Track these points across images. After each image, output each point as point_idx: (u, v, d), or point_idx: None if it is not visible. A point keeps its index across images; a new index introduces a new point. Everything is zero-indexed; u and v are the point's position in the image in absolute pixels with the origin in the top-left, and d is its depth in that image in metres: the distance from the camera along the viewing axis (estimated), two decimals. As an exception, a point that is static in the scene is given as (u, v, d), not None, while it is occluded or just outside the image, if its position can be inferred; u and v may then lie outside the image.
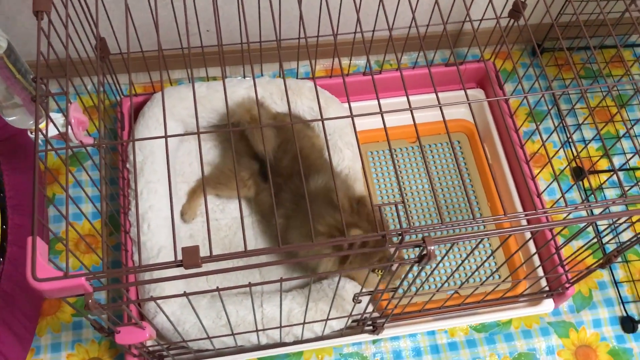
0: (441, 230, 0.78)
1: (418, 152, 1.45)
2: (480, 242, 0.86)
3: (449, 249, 0.84)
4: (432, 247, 0.76)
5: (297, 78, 1.42)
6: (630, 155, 1.49)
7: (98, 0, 0.93)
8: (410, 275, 1.28)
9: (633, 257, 1.38)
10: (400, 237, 0.75)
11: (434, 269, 0.91)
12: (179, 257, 0.69)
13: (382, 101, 1.44)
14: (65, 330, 1.24)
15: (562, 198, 1.33)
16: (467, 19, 1.02)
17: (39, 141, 0.85)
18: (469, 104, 0.87)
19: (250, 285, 0.77)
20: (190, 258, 0.69)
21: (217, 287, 0.76)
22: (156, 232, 1.20)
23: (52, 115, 0.89)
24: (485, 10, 1.34)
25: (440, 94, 1.47)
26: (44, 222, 0.75)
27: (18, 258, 1.17)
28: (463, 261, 0.92)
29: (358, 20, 1.00)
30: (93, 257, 1.31)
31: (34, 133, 0.90)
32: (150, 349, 1.12)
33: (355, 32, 1.33)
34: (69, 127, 0.91)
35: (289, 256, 1.23)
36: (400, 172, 1.43)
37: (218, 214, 1.35)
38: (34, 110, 0.80)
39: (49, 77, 0.82)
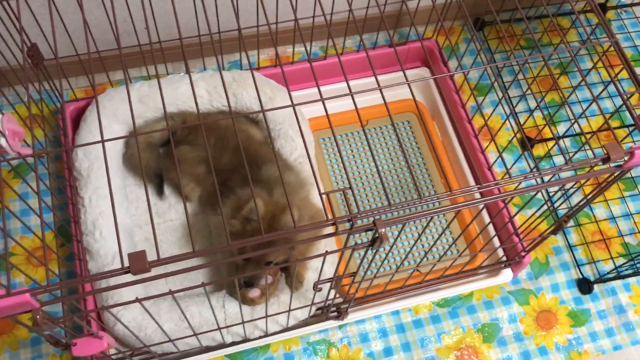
0: (391, 212, 0.78)
1: (370, 135, 1.46)
2: (430, 221, 0.86)
3: (401, 230, 0.85)
4: (383, 230, 0.77)
5: (241, 69, 1.40)
6: (582, 120, 1.53)
7: (19, 2, 0.90)
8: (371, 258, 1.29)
9: (585, 220, 1.42)
10: (350, 223, 0.75)
11: (389, 250, 0.92)
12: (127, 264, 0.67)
13: (331, 86, 1.46)
14: (23, 348, 1.20)
15: (510, 169, 1.35)
16: (404, -2, 1.02)
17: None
18: (409, 84, 0.87)
19: (203, 285, 0.76)
20: (137, 263, 0.67)
21: (170, 290, 0.74)
22: (109, 239, 1.17)
23: (-18, 128, 0.85)
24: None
25: (387, 75, 1.51)
26: (-18, 240, 0.72)
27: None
28: (417, 240, 0.93)
29: (294, 7, 0.99)
30: (44, 270, 1.27)
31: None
32: (113, 357, 1.10)
33: (295, 20, 1.33)
34: (3, 139, 0.87)
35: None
36: (354, 156, 1.43)
37: (172, 215, 1.33)
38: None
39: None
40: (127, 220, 1.27)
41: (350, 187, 0.75)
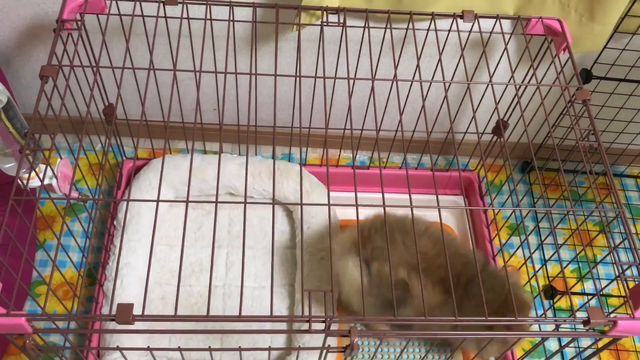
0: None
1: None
2: (407, 345, 0.89)
3: (378, 346, 0.88)
4: (356, 339, 0.80)
5: (288, 161, 1.51)
6: (605, 281, 1.51)
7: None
8: None
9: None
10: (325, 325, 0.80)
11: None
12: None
13: (369, 195, 1.53)
14: (25, 373, 1.28)
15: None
16: (451, 132, 1.09)
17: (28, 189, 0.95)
18: (438, 209, 0.92)
19: (210, 349, 0.81)
20: (123, 314, 0.74)
21: (149, 347, 0.81)
22: (127, 289, 1.25)
23: (40, 167, 0.98)
24: (469, 125, 1.42)
25: (426, 196, 1.57)
26: (5, 263, 0.82)
27: (-6, 295, 1.23)
28: None
29: (350, 117, 1.09)
30: (69, 304, 1.36)
31: (24, 182, 0.99)
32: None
33: (344, 129, 1.43)
34: (54, 179, 0.99)
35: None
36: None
37: (192, 281, 1.40)
38: (23, 162, 0.89)
39: (41, 132, 0.92)
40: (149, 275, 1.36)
41: (332, 290, 0.80)
